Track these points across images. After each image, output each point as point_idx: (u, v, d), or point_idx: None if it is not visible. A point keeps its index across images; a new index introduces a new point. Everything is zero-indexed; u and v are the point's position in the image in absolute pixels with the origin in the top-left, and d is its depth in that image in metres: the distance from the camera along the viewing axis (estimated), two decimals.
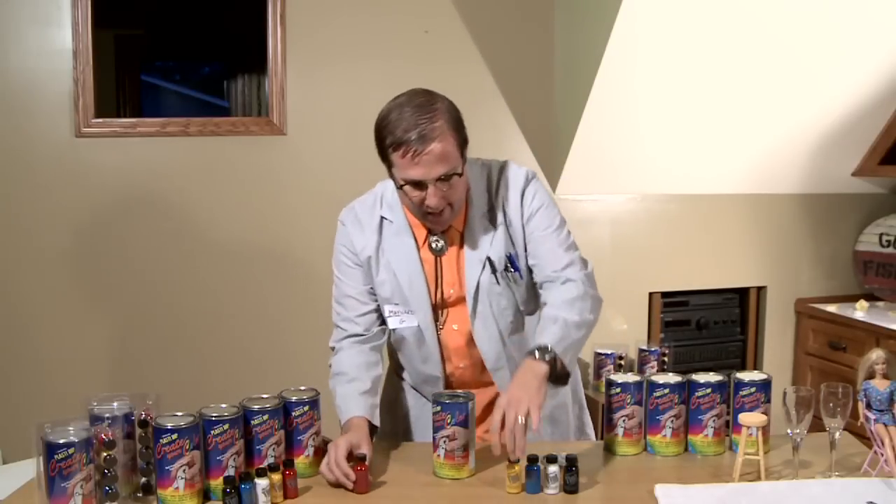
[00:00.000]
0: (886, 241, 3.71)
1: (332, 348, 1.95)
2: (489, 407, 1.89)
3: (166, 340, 3.16)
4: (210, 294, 3.20)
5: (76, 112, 2.99)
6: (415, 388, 2.02)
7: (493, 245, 1.86)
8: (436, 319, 1.89)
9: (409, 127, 1.66)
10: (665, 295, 3.69)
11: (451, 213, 1.80)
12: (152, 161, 3.10)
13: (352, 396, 1.82)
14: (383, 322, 1.94)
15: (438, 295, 1.88)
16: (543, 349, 1.71)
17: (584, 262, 1.92)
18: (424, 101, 1.70)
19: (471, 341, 1.90)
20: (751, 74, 3.13)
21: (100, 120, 3.03)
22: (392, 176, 1.77)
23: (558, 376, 1.77)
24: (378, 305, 1.93)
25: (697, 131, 3.34)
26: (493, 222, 1.87)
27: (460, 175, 1.75)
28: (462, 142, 1.75)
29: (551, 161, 3.42)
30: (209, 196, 3.18)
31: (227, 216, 3.20)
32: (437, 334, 1.89)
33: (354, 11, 3.21)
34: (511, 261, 1.87)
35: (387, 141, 1.69)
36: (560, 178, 3.40)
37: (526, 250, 1.88)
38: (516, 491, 1.63)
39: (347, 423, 1.79)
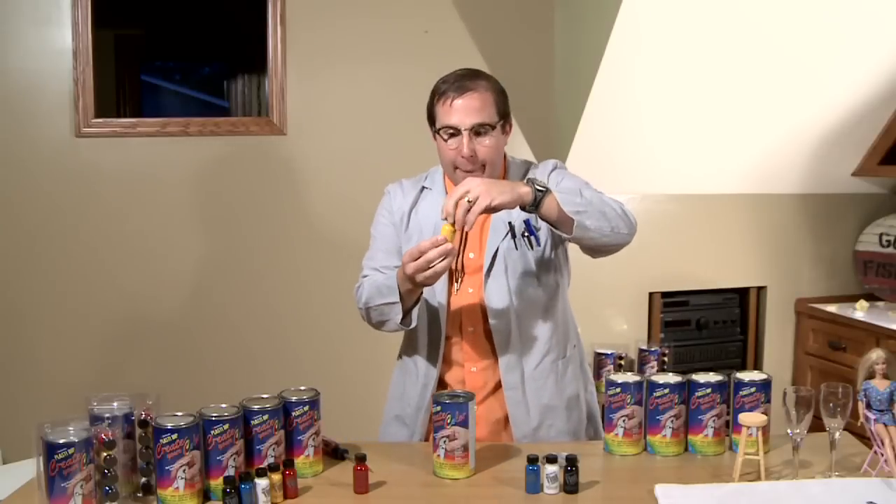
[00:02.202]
0: (886, 241, 3.71)
1: (357, 288, 1.99)
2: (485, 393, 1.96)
3: (166, 340, 3.16)
4: (210, 294, 3.20)
5: (76, 112, 2.99)
6: (416, 369, 2.00)
7: (516, 213, 1.90)
8: (453, 280, 1.93)
9: (454, 81, 1.89)
10: (665, 295, 3.69)
11: (483, 175, 1.90)
12: (152, 161, 3.11)
13: (394, 271, 1.88)
14: None
15: (459, 258, 1.92)
16: (538, 182, 1.76)
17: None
18: (473, 70, 1.94)
19: (484, 305, 1.94)
20: (751, 74, 3.13)
21: (100, 120, 3.03)
22: (436, 133, 1.92)
23: (556, 222, 1.77)
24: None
25: (698, 131, 3.34)
26: None
27: (493, 128, 1.89)
28: (502, 109, 1.93)
29: None
30: (209, 196, 3.18)
31: (227, 216, 3.20)
32: (450, 291, 1.94)
33: (354, 11, 3.21)
34: (528, 224, 1.93)
35: (434, 97, 1.91)
36: None
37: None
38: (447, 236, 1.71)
39: (399, 271, 1.82)
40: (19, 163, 3.00)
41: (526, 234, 1.93)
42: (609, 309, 3.60)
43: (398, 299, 1.84)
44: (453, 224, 1.70)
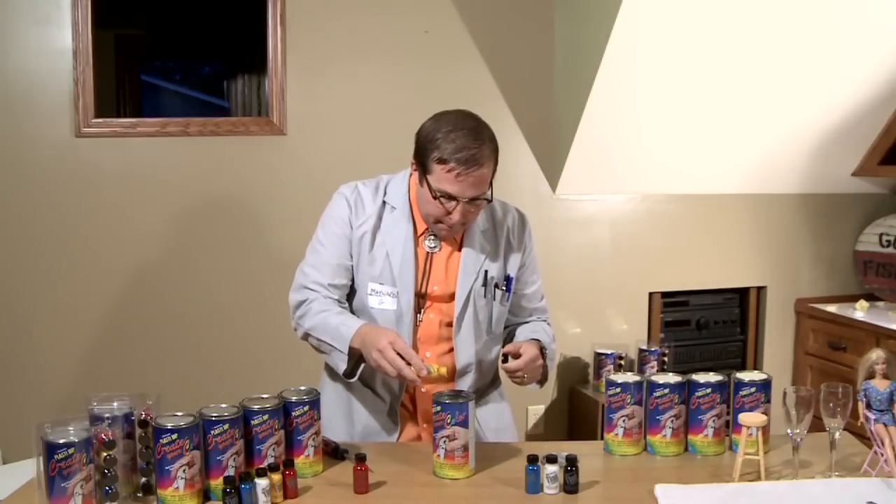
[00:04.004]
0: (886, 241, 3.71)
1: (301, 302, 1.95)
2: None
3: (166, 340, 3.16)
4: (210, 294, 3.20)
5: (76, 112, 2.99)
6: (368, 387, 2.00)
7: (491, 260, 1.99)
8: (417, 310, 1.95)
9: (460, 148, 1.79)
10: (665, 295, 3.69)
11: (459, 230, 1.93)
12: (152, 161, 3.10)
13: (350, 318, 1.89)
14: (346, 301, 1.99)
15: (423, 288, 1.95)
16: (545, 354, 1.95)
17: None
18: (475, 126, 1.83)
19: (445, 334, 1.96)
20: (751, 75, 3.13)
21: (100, 120, 3.03)
22: (424, 180, 1.86)
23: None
24: (349, 284, 1.97)
25: (698, 131, 3.34)
26: (491, 241, 2.00)
27: (488, 201, 1.89)
28: (495, 170, 1.88)
29: (551, 161, 3.42)
30: (209, 196, 3.18)
31: (227, 216, 3.20)
32: (416, 320, 1.94)
33: (354, 11, 3.21)
34: (508, 282, 2.01)
35: (433, 154, 1.81)
36: (560, 178, 3.40)
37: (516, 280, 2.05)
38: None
39: (362, 328, 1.82)
40: (19, 163, 3.00)
41: (503, 288, 2.00)
42: (609, 309, 3.60)
43: (346, 352, 1.85)
44: (509, 372, 1.89)
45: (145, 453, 1.62)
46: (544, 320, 2.14)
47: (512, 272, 2.02)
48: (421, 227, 1.96)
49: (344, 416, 2.02)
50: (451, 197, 1.82)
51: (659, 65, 3.04)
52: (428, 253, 1.96)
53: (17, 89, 2.96)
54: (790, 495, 1.57)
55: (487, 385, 2.08)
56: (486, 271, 1.97)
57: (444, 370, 1.82)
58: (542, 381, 2.00)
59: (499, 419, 2.08)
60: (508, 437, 2.08)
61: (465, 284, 1.95)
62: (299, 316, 1.95)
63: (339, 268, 1.95)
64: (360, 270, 1.95)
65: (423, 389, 1.97)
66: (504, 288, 2.00)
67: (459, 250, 1.97)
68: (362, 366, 1.88)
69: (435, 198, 1.83)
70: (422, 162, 1.85)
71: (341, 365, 1.87)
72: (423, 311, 1.95)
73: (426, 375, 1.74)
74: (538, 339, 1.98)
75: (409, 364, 1.72)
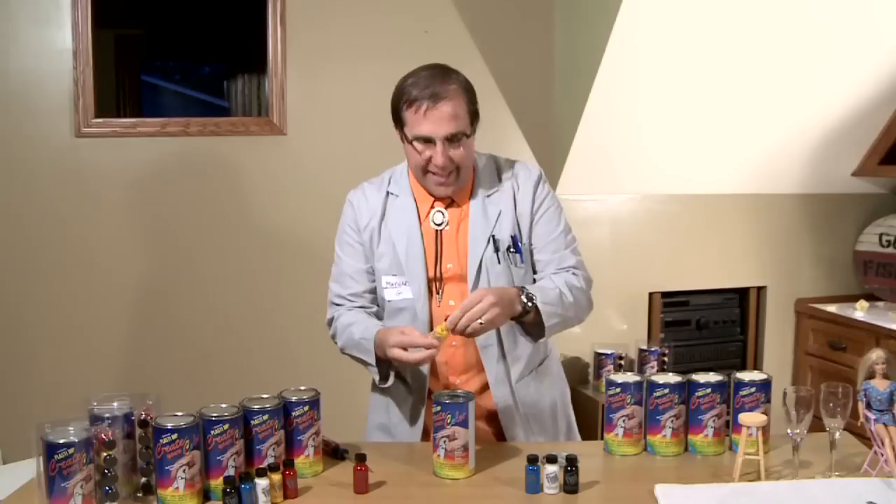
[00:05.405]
0: (886, 241, 3.71)
1: (330, 320, 1.99)
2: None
3: (166, 340, 3.16)
4: (210, 294, 3.20)
5: (76, 112, 2.99)
6: (399, 377, 1.97)
7: (498, 225, 1.92)
8: (433, 292, 1.91)
9: (424, 86, 1.80)
10: (665, 295, 3.69)
11: (456, 180, 1.88)
12: (152, 161, 3.11)
13: (373, 326, 1.88)
14: (376, 302, 1.99)
15: (437, 269, 1.91)
16: (529, 296, 1.81)
17: (586, 269, 1.99)
18: (441, 69, 1.85)
19: None
20: (751, 75, 3.13)
21: (100, 120, 3.03)
22: (404, 138, 1.86)
23: (529, 330, 1.87)
24: (373, 286, 1.97)
25: (698, 131, 3.34)
26: (499, 204, 1.94)
27: (468, 136, 1.84)
28: (473, 110, 1.86)
29: (551, 161, 3.42)
30: (209, 196, 3.18)
31: (227, 216, 3.20)
32: (431, 306, 1.91)
33: (354, 11, 3.21)
34: (514, 242, 1.92)
35: (402, 100, 1.82)
36: (560, 178, 3.40)
37: (530, 237, 1.95)
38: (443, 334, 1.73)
39: (376, 337, 1.83)
40: (19, 163, 3.00)
41: (512, 250, 1.92)
42: (609, 309, 3.60)
43: (374, 363, 1.86)
44: (451, 330, 1.73)
45: (145, 453, 1.62)
46: (566, 269, 1.94)
47: (519, 230, 1.93)
48: (425, 208, 1.93)
49: (383, 406, 2.02)
50: (427, 140, 1.81)
51: (659, 65, 3.04)
52: (437, 231, 1.91)
53: (17, 89, 2.97)
54: (790, 495, 1.57)
55: (523, 361, 1.95)
56: (492, 236, 1.90)
57: (443, 328, 1.74)
58: (526, 328, 1.86)
59: (538, 404, 1.98)
60: (547, 422, 2.00)
61: (475, 256, 1.89)
62: (332, 335, 1.99)
63: (358, 275, 1.96)
64: (376, 267, 1.96)
65: (444, 361, 1.93)
66: (514, 249, 1.91)
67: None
68: (392, 373, 1.90)
69: (410, 142, 1.83)
70: (397, 118, 1.86)
71: (376, 377, 1.91)
72: (440, 294, 1.90)
73: (437, 343, 1.73)
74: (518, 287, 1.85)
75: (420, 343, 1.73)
